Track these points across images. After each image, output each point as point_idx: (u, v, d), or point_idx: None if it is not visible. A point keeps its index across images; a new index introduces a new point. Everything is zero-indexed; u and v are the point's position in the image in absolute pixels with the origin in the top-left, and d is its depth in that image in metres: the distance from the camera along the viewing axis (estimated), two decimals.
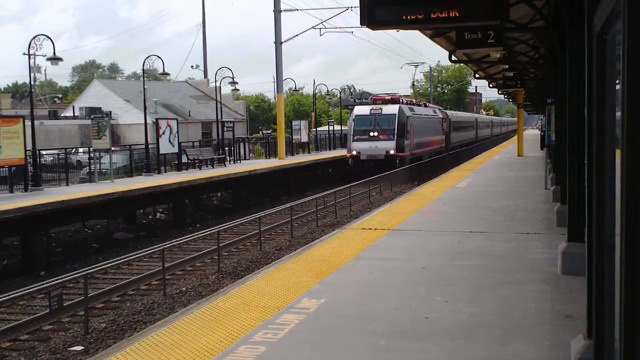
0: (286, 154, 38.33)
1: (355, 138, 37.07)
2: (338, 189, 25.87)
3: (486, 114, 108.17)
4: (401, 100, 40.81)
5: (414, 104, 45.17)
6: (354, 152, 36.73)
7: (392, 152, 36.07)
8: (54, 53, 24.61)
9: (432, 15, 7.14)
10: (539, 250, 11.23)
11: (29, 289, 10.60)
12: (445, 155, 50.86)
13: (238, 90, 43.17)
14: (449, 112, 58.01)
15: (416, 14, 7.17)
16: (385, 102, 39.22)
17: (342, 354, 6.52)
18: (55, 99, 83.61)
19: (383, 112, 37.40)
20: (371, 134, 36.69)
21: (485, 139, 79.40)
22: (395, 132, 36.68)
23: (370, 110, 37.96)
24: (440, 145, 49.39)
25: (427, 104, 54.50)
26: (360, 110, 39.06)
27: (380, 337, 6.93)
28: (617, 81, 3.59)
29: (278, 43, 35.04)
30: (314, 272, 9.89)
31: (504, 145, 57.85)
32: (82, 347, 9.85)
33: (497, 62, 20.34)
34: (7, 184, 22.29)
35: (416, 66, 69.82)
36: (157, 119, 30.29)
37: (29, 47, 24.66)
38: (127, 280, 13.97)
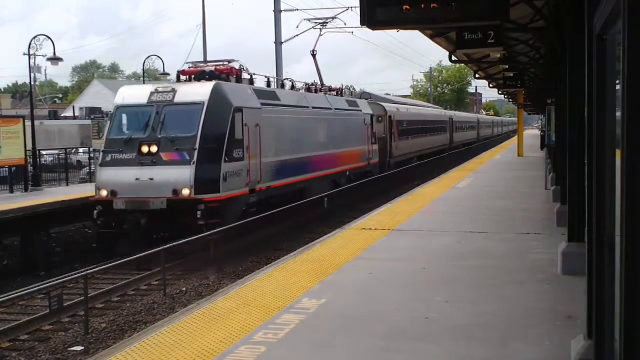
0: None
1: (109, 159, 16.89)
2: None
3: (486, 114, 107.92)
4: (236, 75, 19.40)
5: (314, 89, 26.19)
6: (103, 192, 16.55)
7: (186, 191, 15.80)
8: (54, 53, 24.62)
9: (432, 15, 7.14)
10: (539, 250, 11.23)
11: (28, 289, 10.58)
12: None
13: None
14: (390, 106, 36.49)
15: (416, 13, 7.17)
16: (198, 77, 18.60)
17: (342, 354, 6.52)
18: (55, 99, 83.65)
19: (177, 100, 17.03)
20: (144, 148, 16.44)
21: (468, 144, 59.39)
22: (199, 145, 16.23)
23: (151, 95, 17.33)
24: (367, 162, 29.21)
25: (343, 90, 30.47)
26: (129, 95, 17.96)
27: (380, 337, 6.93)
28: (617, 81, 3.59)
29: (278, 43, 35.03)
30: (314, 272, 9.89)
31: (503, 146, 57.66)
32: (82, 347, 9.85)
33: (497, 62, 20.35)
34: (7, 184, 22.31)
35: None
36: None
37: (29, 47, 24.67)
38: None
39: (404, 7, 7.09)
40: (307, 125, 22.82)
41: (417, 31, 13.70)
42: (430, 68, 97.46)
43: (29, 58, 24.81)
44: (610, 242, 3.92)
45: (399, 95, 70.87)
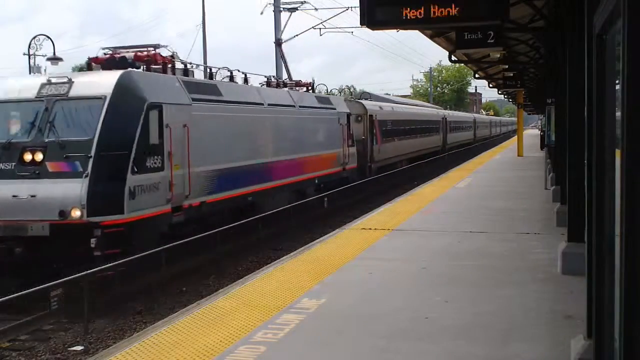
0: None
1: None
2: None
3: (486, 114, 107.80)
4: (164, 63, 15.31)
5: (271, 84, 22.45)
6: None
7: (77, 212, 11.98)
8: (54, 53, 24.65)
9: (432, 15, 7.14)
10: (539, 250, 11.23)
11: (30, 290, 10.55)
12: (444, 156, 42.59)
13: None
14: (371, 104, 32.45)
15: (416, 13, 7.18)
16: (109, 64, 14.73)
17: (342, 354, 6.52)
18: None
19: (72, 94, 13.15)
20: (26, 156, 12.65)
21: (464, 145, 55.57)
22: (97, 152, 12.46)
23: (42, 88, 13.39)
24: (342, 167, 25.16)
25: (316, 86, 27.24)
26: (14, 88, 13.92)
27: (381, 337, 6.93)
28: (617, 81, 3.59)
29: (278, 43, 35.01)
30: (314, 272, 9.89)
31: (504, 146, 57.65)
32: (82, 347, 9.85)
33: (497, 62, 20.36)
34: None
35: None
36: None
37: (29, 47, 24.69)
38: None
39: (404, 7, 7.09)
40: (261, 125, 18.81)
41: (417, 31, 13.69)
42: (430, 68, 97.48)
43: (29, 58, 24.85)
44: (610, 242, 3.92)
45: (399, 95, 70.67)
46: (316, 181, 22.58)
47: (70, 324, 10.84)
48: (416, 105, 53.40)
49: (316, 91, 26.96)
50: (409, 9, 7.09)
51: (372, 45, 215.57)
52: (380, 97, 47.90)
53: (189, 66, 16.74)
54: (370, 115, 29.93)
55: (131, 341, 7.18)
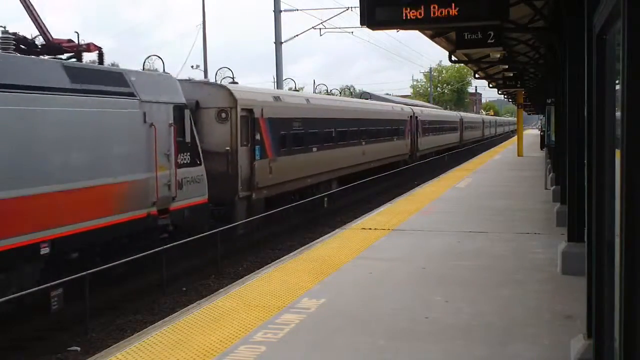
0: None
1: None
2: None
3: (486, 114, 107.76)
4: None
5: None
6: None
7: None
8: None
9: (432, 15, 7.15)
10: (539, 250, 11.23)
11: (30, 290, 10.53)
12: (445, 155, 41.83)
13: None
14: (249, 93, 18.52)
15: (416, 13, 7.18)
16: None
17: (342, 354, 6.52)
18: None
19: None
20: None
21: (440, 152, 42.92)
22: None
23: None
24: (146, 211, 12.91)
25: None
26: None
27: (380, 337, 6.93)
28: (617, 81, 3.59)
29: (278, 43, 35.03)
30: (314, 272, 9.90)
31: (503, 146, 57.65)
32: (81, 348, 9.85)
33: (497, 62, 20.34)
34: None
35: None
36: None
37: None
38: None
39: (404, 7, 7.10)
40: None
41: (417, 31, 13.69)
42: (430, 68, 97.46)
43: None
44: (610, 242, 3.92)
45: (399, 95, 70.73)
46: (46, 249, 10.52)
47: (70, 324, 10.84)
48: (361, 99, 35.12)
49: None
50: (409, 9, 7.10)
51: (372, 45, 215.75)
52: (380, 97, 47.58)
53: None
54: (250, 110, 17.26)
55: (131, 341, 7.19)
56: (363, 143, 27.42)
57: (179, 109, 14.29)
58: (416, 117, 37.25)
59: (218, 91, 17.04)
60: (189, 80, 17.69)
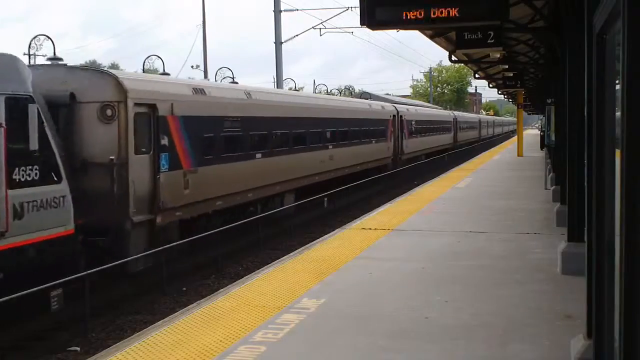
0: None
1: None
2: None
3: (486, 114, 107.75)
4: None
5: None
6: None
7: None
8: (54, 53, 24.61)
9: (432, 15, 7.15)
10: (539, 250, 11.24)
11: (30, 290, 10.53)
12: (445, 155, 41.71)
13: None
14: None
15: (416, 13, 7.19)
16: None
17: (342, 354, 6.52)
18: None
19: None
20: None
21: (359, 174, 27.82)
22: None
23: None
24: None
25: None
26: None
27: (380, 337, 6.93)
28: (617, 81, 3.59)
29: (278, 43, 35.05)
30: (314, 272, 9.89)
31: (504, 145, 57.60)
32: (80, 348, 9.85)
33: (497, 62, 20.35)
34: None
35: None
36: None
37: (29, 47, 24.63)
38: None
39: (404, 7, 7.10)
40: None
41: (417, 31, 13.69)
42: (430, 68, 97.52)
43: (29, 58, 24.83)
44: (610, 242, 3.92)
45: (399, 95, 70.68)
46: None
47: (70, 323, 10.84)
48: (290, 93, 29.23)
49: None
50: (409, 9, 7.10)
51: (372, 45, 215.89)
52: (380, 97, 47.46)
53: None
54: (145, 105, 13.10)
55: (131, 341, 7.19)
56: (330, 147, 23.52)
57: (16, 103, 10.24)
58: (401, 116, 33.68)
59: (100, 80, 12.81)
60: (60, 64, 13.29)
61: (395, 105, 35.26)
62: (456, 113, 58.06)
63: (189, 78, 18.84)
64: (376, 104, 32.55)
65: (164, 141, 13.41)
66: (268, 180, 18.06)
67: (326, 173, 23.00)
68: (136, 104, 12.66)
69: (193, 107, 14.74)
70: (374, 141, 29.01)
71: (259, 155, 17.72)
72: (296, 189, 20.31)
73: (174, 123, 13.82)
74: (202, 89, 15.67)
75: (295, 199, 20.08)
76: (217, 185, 15.36)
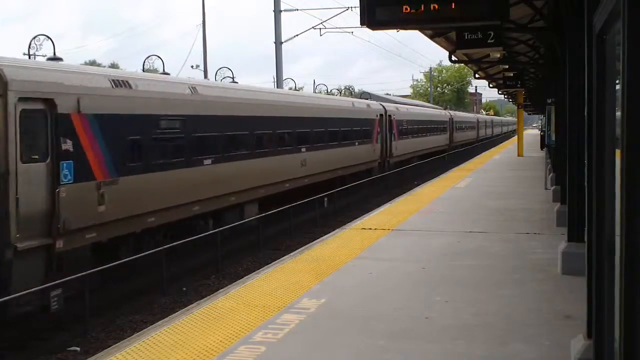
0: None
1: None
2: None
3: (486, 114, 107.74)
4: None
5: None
6: None
7: None
8: (54, 53, 24.59)
9: (432, 15, 7.15)
10: (539, 250, 11.23)
11: (30, 290, 10.54)
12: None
13: None
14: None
15: (416, 13, 7.18)
16: None
17: (343, 354, 6.52)
18: None
19: None
20: None
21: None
22: None
23: None
24: None
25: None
26: None
27: (381, 337, 6.93)
28: (617, 81, 3.59)
29: (278, 43, 35.04)
30: (314, 272, 9.89)
31: (504, 145, 57.58)
32: (80, 348, 9.85)
33: (497, 62, 20.36)
34: None
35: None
36: None
37: (29, 47, 24.63)
38: None
39: (404, 7, 7.09)
40: None
41: (417, 31, 13.70)
42: (430, 68, 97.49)
43: (29, 58, 24.82)
44: (610, 242, 3.92)
45: (399, 95, 70.62)
46: None
47: (70, 323, 10.84)
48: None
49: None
50: (409, 8, 7.09)
51: (372, 45, 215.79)
52: (380, 97, 47.41)
53: None
54: (36, 100, 10.51)
55: (131, 341, 7.19)
56: (303, 150, 21.06)
57: None
58: (389, 116, 31.22)
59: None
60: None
61: (383, 103, 33.02)
62: (452, 112, 54.99)
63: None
64: (360, 102, 30.32)
65: (67, 146, 10.78)
66: (221, 190, 15.64)
67: (299, 180, 20.66)
68: (22, 99, 10.03)
69: (112, 103, 12.12)
70: (357, 143, 26.89)
71: (208, 162, 15.23)
72: (260, 198, 18.06)
73: (82, 123, 11.24)
74: (126, 81, 12.80)
75: (259, 209, 17.81)
76: (147, 199, 12.83)
